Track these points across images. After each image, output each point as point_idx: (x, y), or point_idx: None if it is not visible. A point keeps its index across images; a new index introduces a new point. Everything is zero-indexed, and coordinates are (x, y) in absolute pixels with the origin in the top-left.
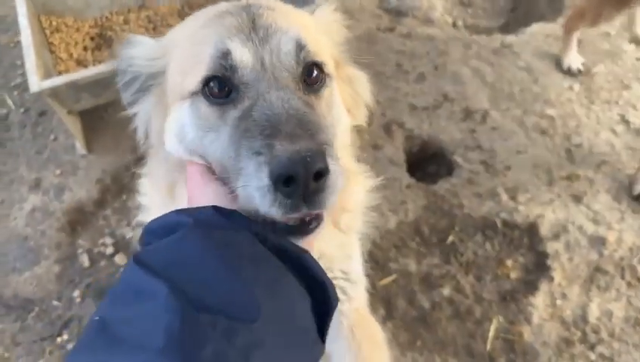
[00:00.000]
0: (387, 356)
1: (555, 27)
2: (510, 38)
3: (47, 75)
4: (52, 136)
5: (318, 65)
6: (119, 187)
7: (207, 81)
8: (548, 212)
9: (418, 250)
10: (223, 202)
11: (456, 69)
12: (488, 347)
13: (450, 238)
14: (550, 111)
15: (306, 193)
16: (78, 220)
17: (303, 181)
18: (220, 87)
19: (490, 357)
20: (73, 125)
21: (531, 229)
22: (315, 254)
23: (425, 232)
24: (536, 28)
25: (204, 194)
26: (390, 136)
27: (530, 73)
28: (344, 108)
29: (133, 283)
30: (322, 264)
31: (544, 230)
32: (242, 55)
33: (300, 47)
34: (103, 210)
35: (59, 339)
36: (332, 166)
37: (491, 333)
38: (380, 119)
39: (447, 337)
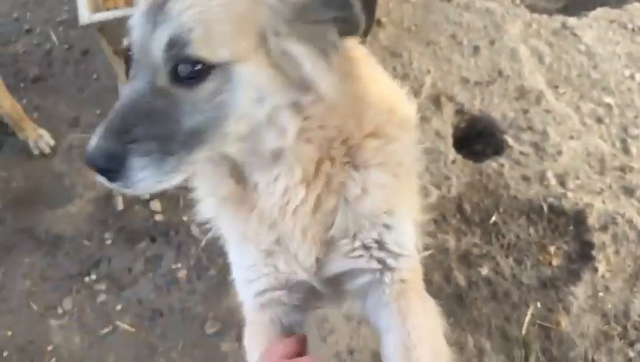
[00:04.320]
0: (439, 329)
1: (620, 13)
2: (572, 20)
3: (95, 10)
4: (94, 76)
5: (197, 61)
6: None
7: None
8: (597, 202)
9: (458, 227)
10: None
11: (513, 46)
12: (523, 332)
13: (493, 218)
14: (608, 100)
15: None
16: None
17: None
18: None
19: (525, 343)
20: (118, 66)
21: (578, 217)
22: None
23: (467, 210)
24: (600, 12)
25: None
26: (439, 108)
27: (590, 58)
28: (271, 87)
29: None
30: (339, 233)
31: (592, 220)
32: (136, 36)
33: (172, 44)
34: None
35: (87, 279)
36: (134, 165)
37: (527, 318)
38: (429, 90)
39: (482, 318)
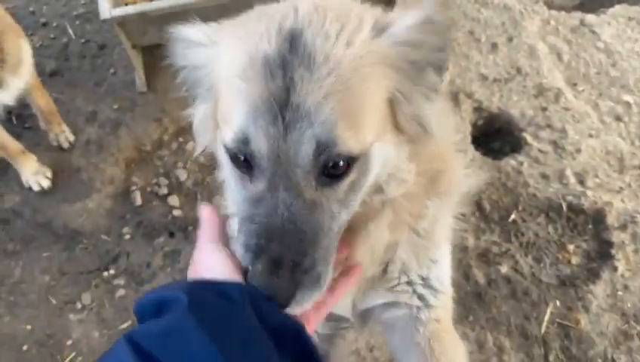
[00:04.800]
0: None
1: (639, 10)
2: (590, 18)
3: (115, 5)
4: (111, 70)
5: (346, 157)
6: (177, 129)
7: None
8: (616, 200)
9: (477, 225)
10: (225, 273)
11: (531, 43)
12: (543, 330)
13: (512, 217)
14: (627, 98)
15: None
16: (132, 157)
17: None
18: (244, 159)
19: (544, 341)
20: (136, 60)
21: (597, 216)
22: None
23: (486, 208)
24: (619, 9)
25: (208, 263)
26: (457, 105)
27: (609, 56)
28: (395, 149)
29: None
30: (396, 268)
31: (611, 218)
32: (260, 145)
33: (320, 148)
34: (158, 150)
35: (105, 273)
36: (304, 298)
37: (547, 317)
38: (447, 87)
39: (501, 316)
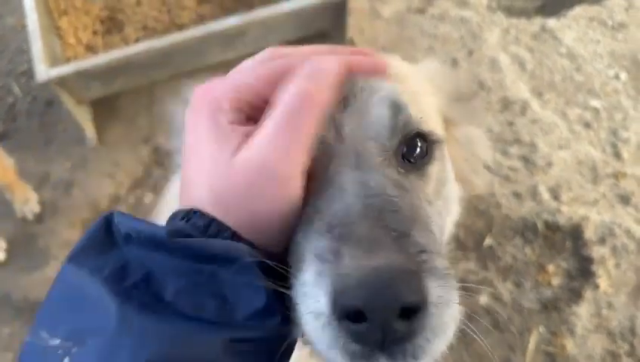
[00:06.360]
0: None
1: (599, 10)
2: (551, 22)
3: (54, 61)
4: (61, 127)
5: (423, 136)
6: (133, 181)
7: None
8: (592, 213)
9: (453, 254)
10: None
11: (493, 55)
12: (528, 360)
13: (487, 241)
14: (594, 103)
15: (388, 338)
16: (88, 218)
17: (381, 320)
18: None
19: None
20: (82, 116)
21: (575, 232)
22: None
23: (460, 235)
24: (579, 11)
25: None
26: None
27: (572, 60)
28: (455, 180)
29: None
30: None
31: (589, 233)
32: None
33: (396, 109)
34: (116, 206)
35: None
36: (434, 293)
37: (532, 345)
38: None
39: (485, 349)
